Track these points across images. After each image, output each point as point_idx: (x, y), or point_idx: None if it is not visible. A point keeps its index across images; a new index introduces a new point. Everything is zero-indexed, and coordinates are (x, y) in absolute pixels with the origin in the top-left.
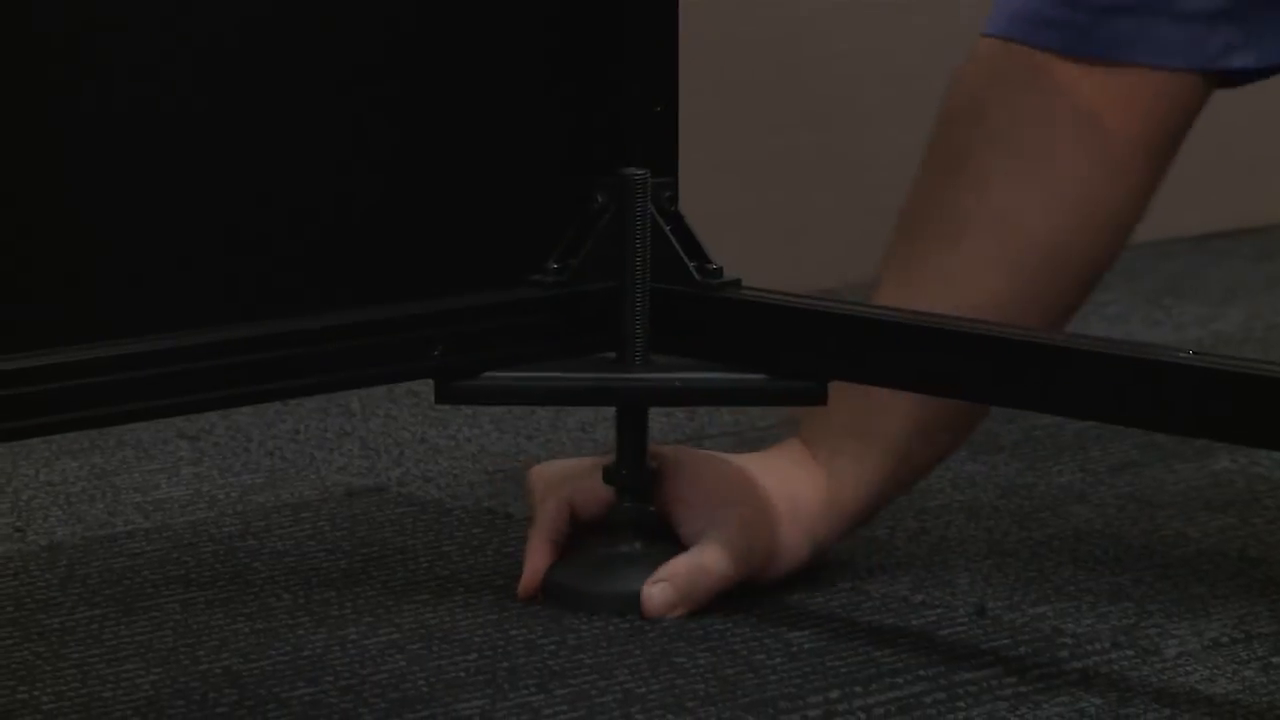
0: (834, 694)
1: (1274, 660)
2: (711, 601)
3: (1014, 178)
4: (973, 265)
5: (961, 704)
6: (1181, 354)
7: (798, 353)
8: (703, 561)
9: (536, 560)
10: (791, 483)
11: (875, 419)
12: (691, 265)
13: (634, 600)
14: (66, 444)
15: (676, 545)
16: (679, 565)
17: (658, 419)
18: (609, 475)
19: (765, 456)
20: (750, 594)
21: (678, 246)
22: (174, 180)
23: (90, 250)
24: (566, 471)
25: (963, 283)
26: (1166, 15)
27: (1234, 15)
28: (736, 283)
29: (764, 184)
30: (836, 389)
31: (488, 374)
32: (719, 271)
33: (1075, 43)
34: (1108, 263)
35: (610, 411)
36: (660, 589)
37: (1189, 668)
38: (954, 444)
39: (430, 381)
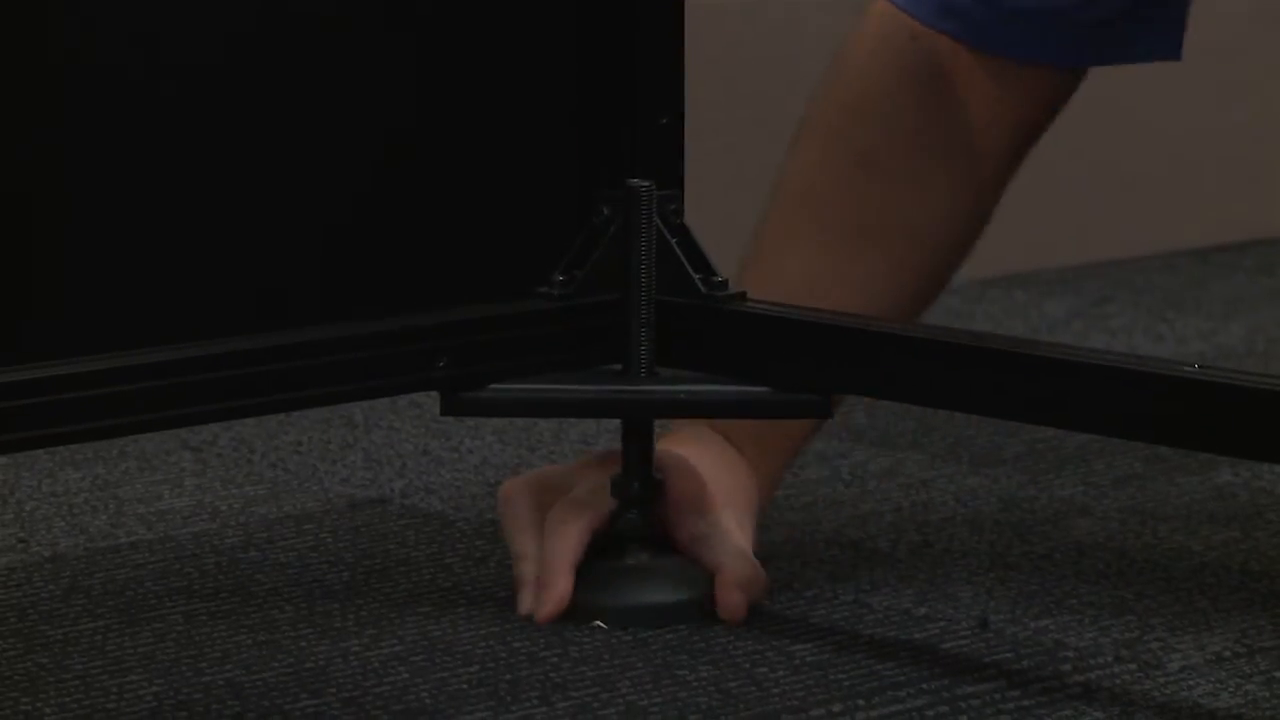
0: (836, 707)
1: (1277, 674)
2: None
3: (922, 189)
4: (878, 275)
5: (964, 717)
6: (1186, 367)
7: (802, 365)
8: (755, 562)
9: (565, 584)
10: (727, 475)
11: None
12: (697, 278)
13: (642, 612)
14: (69, 455)
15: (683, 555)
16: (746, 569)
17: (658, 429)
18: (617, 488)
19: (689, 451)
20: (754, 605)
21: (683, 259)
22: (178, 192)
23: (94, 262)
24: (553, 482)
25: (875, 293)
26: (1069, 22)
27: (1131, 15)
28: (741, 295)
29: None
30: None
31: (493, 386)
32: (724, 284)
33: (976, 36)
34: (970, 236)
35: (612, 423)
36: (741, 596)
37: (1191, 682)
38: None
39: (434, 393)
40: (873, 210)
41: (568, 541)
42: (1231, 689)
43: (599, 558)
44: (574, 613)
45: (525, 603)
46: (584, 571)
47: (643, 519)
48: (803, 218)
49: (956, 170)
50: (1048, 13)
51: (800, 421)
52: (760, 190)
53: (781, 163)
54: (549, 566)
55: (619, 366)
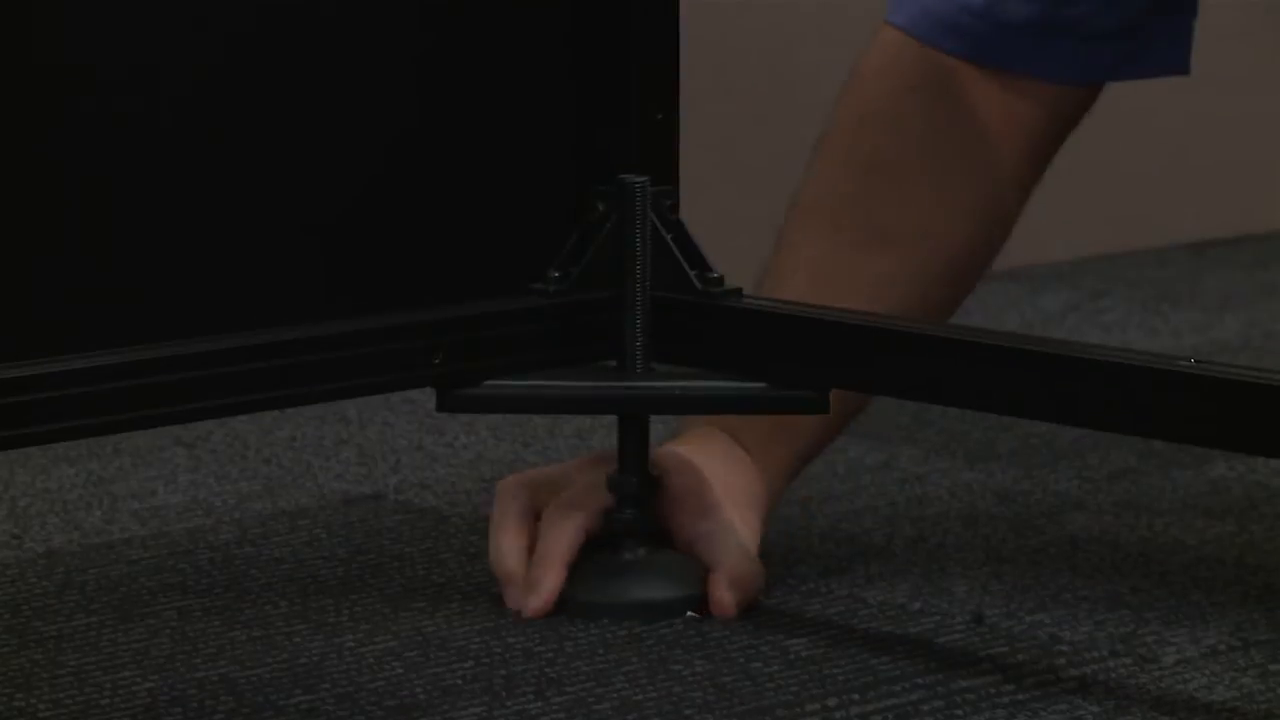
0: (831, 702)
1: (1271, 667)
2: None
3: (934, 193)
4: (892, 278)
5: (959, 712)
6: (1181, 361)
7: (798, 361)
8: (755, 559)
9: (554, 580)
10: (732, 475)
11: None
12: (692, 274)
13: (637, 608)
14: (63, 451)
15: (679, 552)
16: (744, 567)
17: (654, 426)
18: (613, 484)
19: (694, 451)
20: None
21: (679, 255)
22: (173, 188)
23: (87, 259)
24: (549, 482)
25: (886, 294)
26: (1070, 36)
27: (1131, 31)
28: (737, 291)
29: (765, 192)
30: None
31: (489, 382)
32: (720, 280)
33: (979, 52)
34: (989, 265)
35: (606, 419)
36: (734, 594)
37: (1187, 675)
38: (845, 422)
39: (428, 389)
40: (882, 211)
41: (561, 539)
42: (1227, 682)
43: (595, 553)
44: (570, 608)
45: (512, 598)
46: (580, 567)
47: (639, 515)
48: (815, 223)
49: (968, 176)
50: (1049, 28)
51: (808, 421)
52: (756, 186)
53: (797, 183)
54: (540, 562)
55: (614, 363)
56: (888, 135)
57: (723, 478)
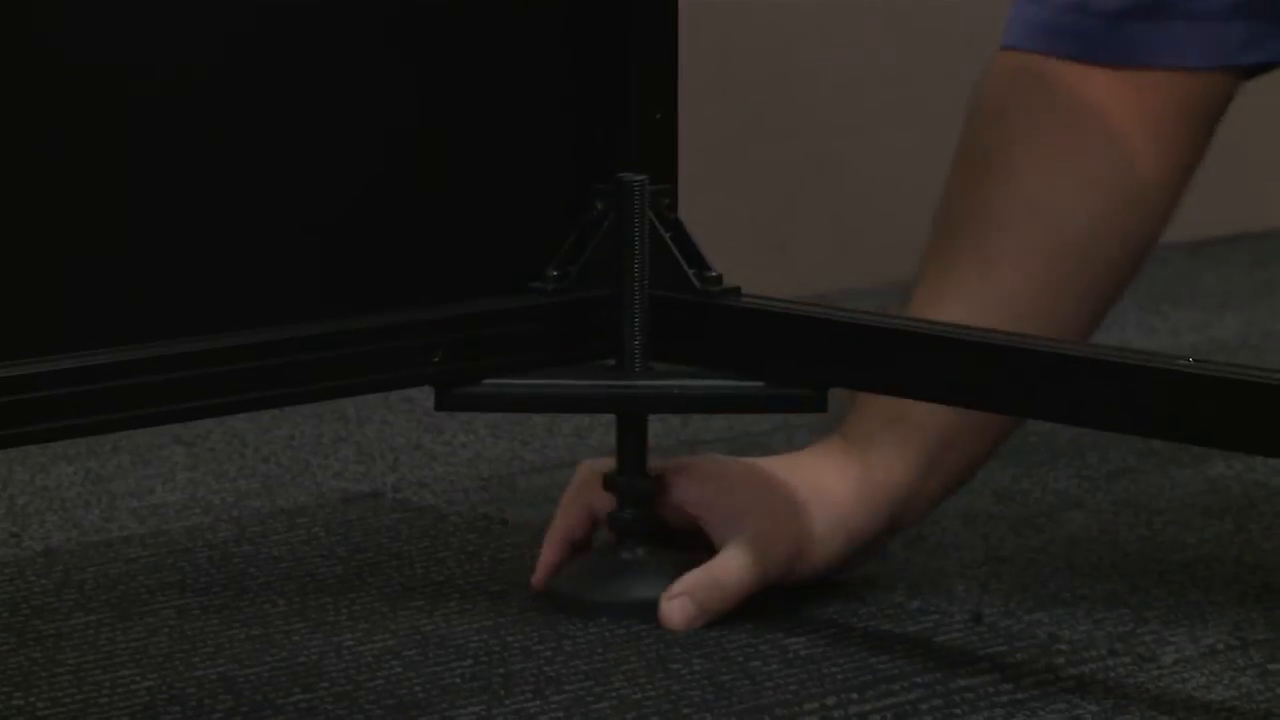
0: (830, 700)
1: (1270, 667)
2: (734, 608)
3: (1041, 169)
4: (1007, 254)
5: (958, 711)
6: (1180, 360)
7: (797, 360)
8: (717, 573)
9: (548, 554)
10: (820, 476)
11: (912, 405)
12: (691, 272)
13: (636, 607)
14: (62, 449)
15: (679, 551)
16: (695, 578)
17: (653, 425)
18: (609, 483)
19: (799, 454)
20: (753, 600)
21: (677, 254)
22: (171, 186)
23: (86, 257)
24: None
25: (998, 272)
26: (1181, 17)
27: (1249, 9)
28: (736, 290)
29: (763, 191)
30: None
31: (487, 381)
32: (718, 279)
33: (1091, 49)
34: (1143, 254)
35: (605, 418)
36: (680, 603)
37: (1186, 674)
38: (1003, 433)
39: (427, 388)
40: (989, 195)
41: (563, 518)
42: (1225, 682)
43: (594, 553)
44: (569, 607)
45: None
46: (580, 567)
47: (638, 515)
48: (938, 222)
49: (1078, 155)
50: (1153, 13)
51: (937, 411)
52: (754, 185)
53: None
54: (546, 539)
55: (613, 361)
56: (991, 129)
57: (799, 479)
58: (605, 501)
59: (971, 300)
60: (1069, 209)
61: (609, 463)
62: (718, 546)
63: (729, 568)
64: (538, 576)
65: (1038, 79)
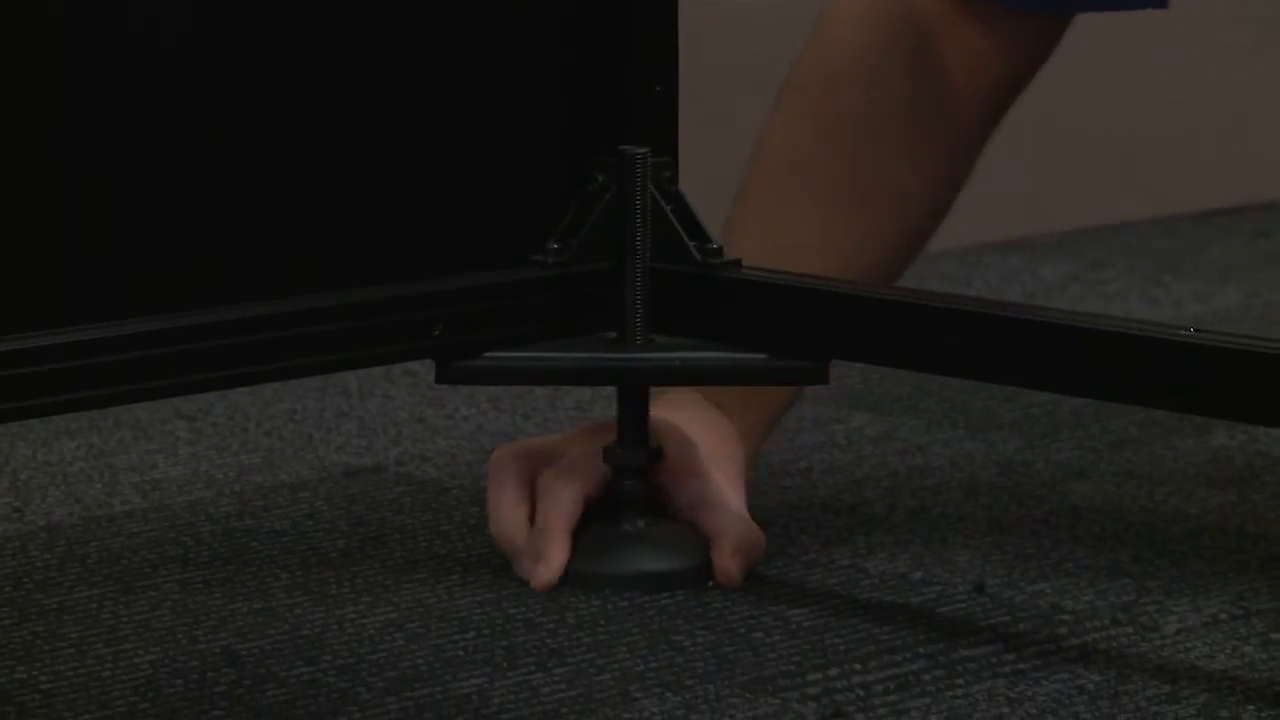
0: (833, 671)
1: (1273, 636)
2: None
3: (908, 151)
4: (870, 238)
5: (960, 681)
6: (1182, 331)
7: (797, 332)
8: (754, 529)
9: (559, 552)
10: (723, 440)
11: None
12: (692, 245)
13: (638, 579)
14: (64, 424)
15: (679, 523)
16: (746, 535)
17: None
18: (613, 455)
19: (682, 414)
20: (750, 570)
21: (678, 226)
22: (173, 160)
23: (88, 231)
24: (541, 451)
25: (859, 257)
26: None
27: None
28: (736, 262)
29: None
30: None
31: (488, 354)
32: (719, 251)
33: None
34: (949, 187)
35: (606, 391)
36: (739, 562)
37: (1188, 644)
38: None
39: (429, 361)
40: (859, 175)
41: (562, 508)
42: (1228, 651)
43: (596, 525)
44: (571, 580)
45: (520, 569)
46: (581, 539)
47: (639, 486)
48: (789, 183)
49: (938, 136)
50: None
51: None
52: None
53: (764, 123)
54: (544, 534)
55: (614, 334)
56: (864, 94)
57: (708, 442)
58: (599, 487)
59: (835, 269)
60: (924, 197)
61: (538, 445)
62: (681, 510)
63: (750, 520)
64: (551, 576)
65: (915, 26)
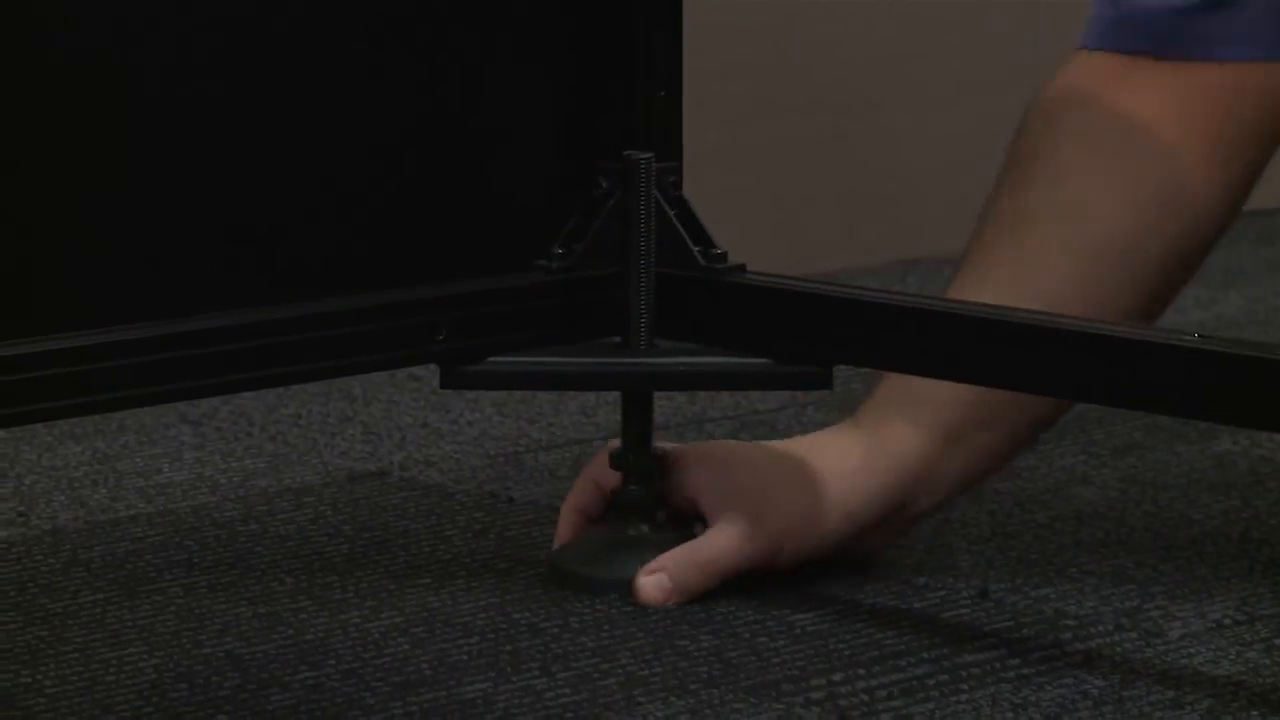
0: (837, 676)
1: (1277, 642)
2: (719, 585)
3: (1090, 170)
4: (1041, 252)
5: (965, 686)
6: (1186, 336)
7: (802, 337)
8: (694, 550)
9: (562, 529)
10: (823, 455)
11: (929, 388)
12: (696, 250)
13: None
14: (69, 429)
15: (683, 530)
16: (672, 554)
17: (659, 403)
18: (615, 460)
19: (809, 436)
20: (755, 577)
21: (682, 231)
22: (176, 166)
23: (91, 236)
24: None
25: (1030, 268)
26: (1243, 11)
27: None
28: (741, 268)
29: (768, 169)
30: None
31: (492, 359)
32: (723, 256)
33: (1161, 44)
34: (1192, 258)
35: (611, 396)
36: (655, 579)
37: (1192, 649)
38: (1036, 418)
39: (433, 366)
40: (1029, 194)
41: (573, 491)
42: (1232, 656)
43: (600, 530)
44: (576, 584)
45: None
46: (586, 543)
47: (644, 491)
48: (980, 222)
49: (1127, 160)
50: (1219, 6)
51: (948, 394)
52: (759, 162)
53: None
54: (561, 514)
55: (618, 339)
56: (1042, 131)
57: (800, 457)
58: (612, 478)
59: (1001, 293)
60: (1110, 213)
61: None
62: (710, 526)
63: (708, 545)
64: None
65: (1100, 76)
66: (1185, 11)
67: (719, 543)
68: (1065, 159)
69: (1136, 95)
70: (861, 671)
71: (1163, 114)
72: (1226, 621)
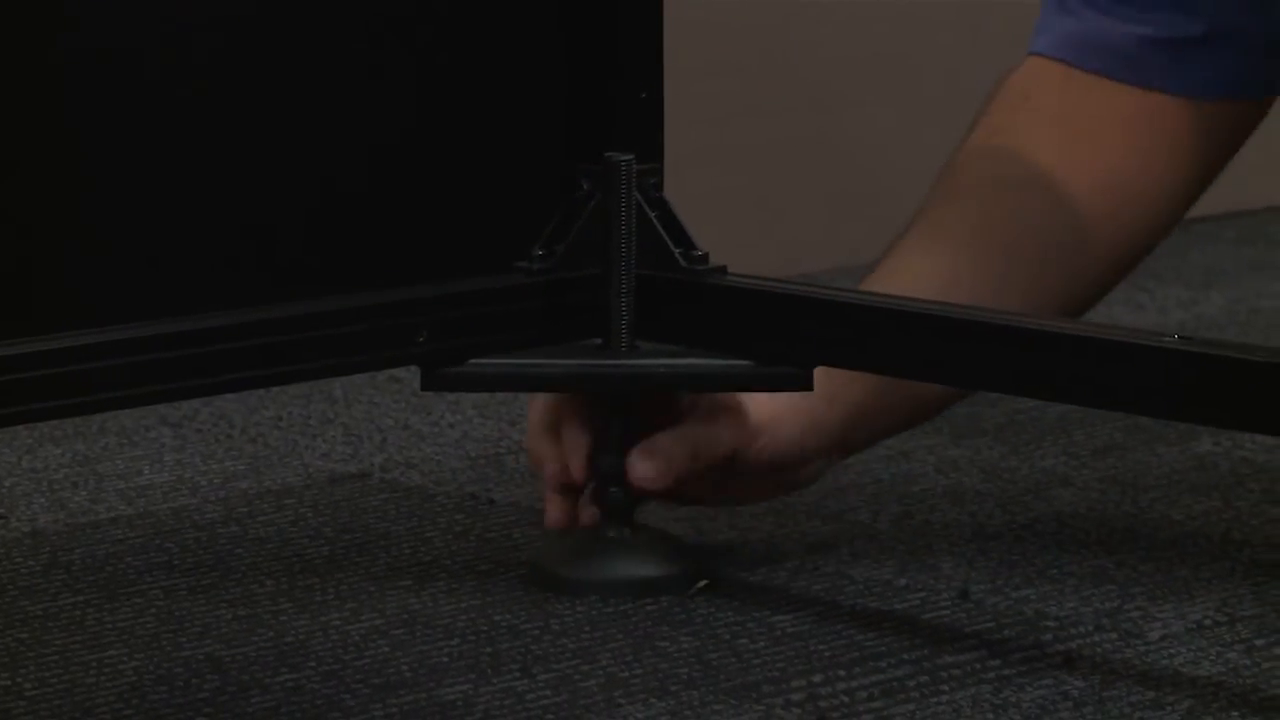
0: (817, 678)
1: (1257, 642)
2: (704, 471)
3: (1059, 147)
4: (1009, 220)
5: (945, 687)
6: (1166, 337)
7: (783, 339)
8: (684, 434)
9: (552, 512)
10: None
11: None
12: (677, 251)
13: (623, 585)
14: (49, 431)
15: (665, 531)
16: (663, 434)
17: None
18: (595, 462)
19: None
20: (734, 577)
21: (663, 233)
22: (159, 167)
23: (73, 237)
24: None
25: (991, 236)
26: (1209, 49)
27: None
28: (722, 269)
29: (749, 170)
30: None
31: (473, 361)
32: (704, 258)
33: (1116, 69)
34: (1136, 251)
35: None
36: (645, 456)
37: (1172, 650)
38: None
39: (414, 368)
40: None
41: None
42: (1212, 657)
43: (580, 531)
44: (556, 585)
45: (551, 514)
46: (566, 545)
47: (625, 493)
48: (927, 228)
49: (1102, 161)
50: (1182, 42)
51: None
52: (741, 163)
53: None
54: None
55: (599, 341)
56: (1011, 112)
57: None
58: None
59: (940, 264)
60: (1074, 191)
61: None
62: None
63: (693, 428)
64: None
65: (1066, 78)
66: (1151, 42)
67: (703, 427)
68: (1038, 134)
69: (1101, 100)
70: (842, 673)
71: (1124, 117)
72: (1207, 622)
